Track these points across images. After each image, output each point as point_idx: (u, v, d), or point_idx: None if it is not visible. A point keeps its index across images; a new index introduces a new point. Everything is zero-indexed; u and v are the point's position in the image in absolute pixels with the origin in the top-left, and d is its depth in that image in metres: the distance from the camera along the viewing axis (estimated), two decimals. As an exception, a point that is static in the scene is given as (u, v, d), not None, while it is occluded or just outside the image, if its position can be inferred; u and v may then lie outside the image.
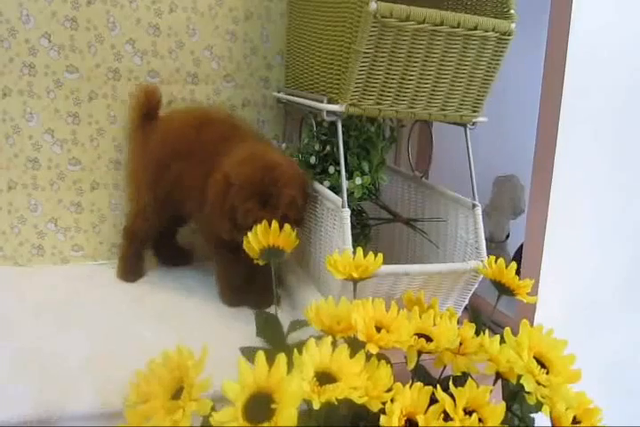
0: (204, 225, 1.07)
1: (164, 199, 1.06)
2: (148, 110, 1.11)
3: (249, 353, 0.56)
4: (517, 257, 1.13)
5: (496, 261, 0.83)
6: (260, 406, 0.53)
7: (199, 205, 0.98)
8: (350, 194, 1.02)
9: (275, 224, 0.85)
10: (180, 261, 1.21)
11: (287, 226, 0.86)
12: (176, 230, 1.21)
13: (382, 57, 0.87)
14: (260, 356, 0.55)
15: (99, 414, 0.75)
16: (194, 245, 1.24)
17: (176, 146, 1.04)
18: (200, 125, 1.04)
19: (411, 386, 0.63)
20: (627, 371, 1.21)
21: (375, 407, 0.60)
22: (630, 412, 1.21)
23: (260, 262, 0.87)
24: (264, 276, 0.90)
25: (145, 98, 1.10)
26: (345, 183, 0.93)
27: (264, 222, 0.85)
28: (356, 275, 0.79)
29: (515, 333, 0.70)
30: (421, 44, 0.88)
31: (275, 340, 0.77)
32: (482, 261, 0.96)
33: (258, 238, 0.84)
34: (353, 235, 0.92)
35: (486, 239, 1.00)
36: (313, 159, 1.07)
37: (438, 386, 0.63)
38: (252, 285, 1.02)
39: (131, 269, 1.13)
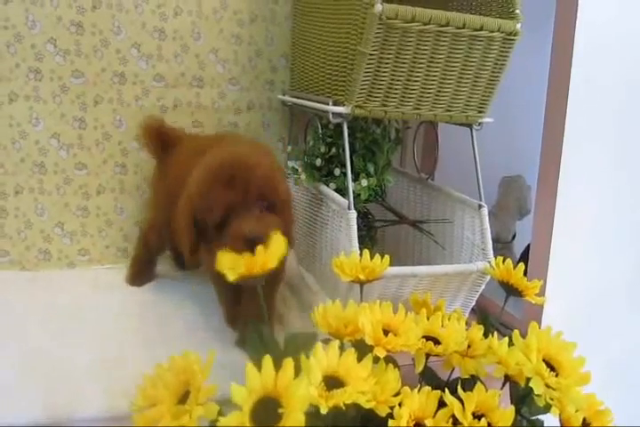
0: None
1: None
2: (158, 142, 1.08)
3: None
4: (524, 258, 1.12)
5: (503, 262, 0.83)
6: (267, 410, 0.53)
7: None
8: (356, 196, 1.01)
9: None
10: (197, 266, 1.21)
11: (276, 236, 0.68)
12: None
13: (388, 58, 0.87)
14: (267, 360, 0.55)
15: (106, 418, 0.75)
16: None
17: (181, 177, 0.94)
18: (200, 152, 0.91)
19: (419, 389, 0.63)
20: (634, 371, 1.20)
21: (383, 412, 0.60)
22: (638, 412, 1.21)
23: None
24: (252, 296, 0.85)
25: (149, 136, 1.08)
26: (351, 185, 0.93)
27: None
28: (362, 277, 0.79)
29: (522, 334, 0.69)
30: (427, 45, 0.88)
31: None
32: (489, 262, 0.95)
33: (232, 270, 0.65)
34: (359, 237, 0.92)
35: (493, 240, 1.00)
36: (319, 161, 1.07)
37: (447, 389, 0.63)
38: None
39: (140, 274, 1.13)
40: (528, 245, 1.12)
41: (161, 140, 1.09)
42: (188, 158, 0.95)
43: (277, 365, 0.55)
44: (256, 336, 0.72)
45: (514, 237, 1.43)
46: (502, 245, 1.42)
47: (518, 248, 1.40)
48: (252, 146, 0.93)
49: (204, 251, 0.85)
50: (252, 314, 0.87)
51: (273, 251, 0.66)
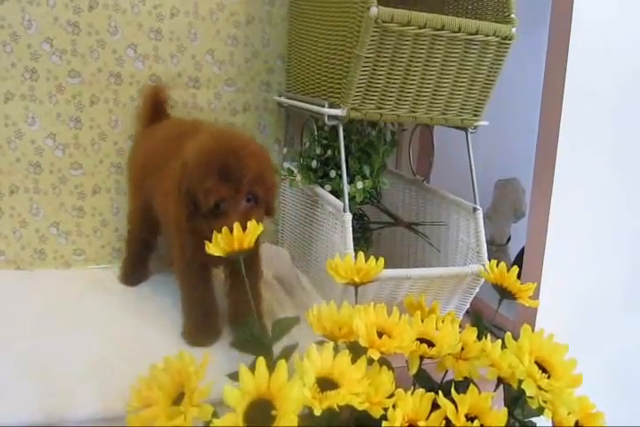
0: (170, 243, 0.97)
1: (143, 208, 1.04)
2: (153, 111, 1.10)
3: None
4: (518, 260, 1.13)
5: (497, 265, 0.83)
6: (260, 412, 0.53)
7: (165, 222, 0.95)
8: (352, 198, 1.02)
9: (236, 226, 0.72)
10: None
11: (251, 223, 0.73)
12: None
13: (383, 61, 0.87)
14: (261, 362, 0.55)
15: (100, 419, 0.75)
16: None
17: (153, 159, 0.99)
18: (180, 137, 0.93)
19: (412, 391, 0.63)
20: (628, 374, 1.21)
21: (377, 413, 0.60)
22: (632, 415, 1.21)
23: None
24: (238, 292, 0.89)
25: (151, 98, 1.10)
26: (346, 187, 0.93)
27: (224, 229, 0.72)
28: (357, 279, 0.79)
29: (516, 336, 0.70)
30: (422, 49, 0.88)
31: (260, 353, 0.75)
32: (483, 264, 0.96)
33: (220, 246, 0.72)
34: (354, 239, 0.92)
35: (487, 243, 1.01)
36: (314, 163, 1.07)
37: (440, 391, 0.63)
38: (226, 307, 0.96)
39: (134, 273, 1.13)
40: (523, 248, 1.12)
41: (154, 114, 1.10)
42: (166, 144, 0.97)
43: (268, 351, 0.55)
44: (245, 333, 0.76)
45: (509, 239, 1.43)
46: (497, 248, 1.42)
47: (513, 251, 1.40)
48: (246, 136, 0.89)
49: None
50: (240, 308, 0.91)
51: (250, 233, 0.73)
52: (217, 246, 0.72)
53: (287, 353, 0.72)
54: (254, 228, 0.73)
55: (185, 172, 0.81)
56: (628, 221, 1.09)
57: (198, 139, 0.84)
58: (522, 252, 1.15)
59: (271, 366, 0.55)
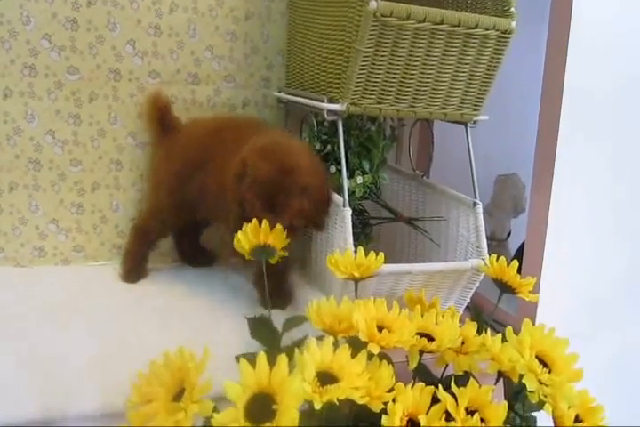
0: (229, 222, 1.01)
1: (182, 204, 1.06)
2: (160, 116, 1.11)
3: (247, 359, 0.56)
4: (519, 255, 1.13)
5: (497, 260, 0.83)
6: (261, 406, 0.53)
7: (221, 207, 0.98)
8: (351, 193, 1.02)
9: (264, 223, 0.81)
10: (202, 262, 1.22)
11: (278, 227, 0.82)
12: (200, 232, 1.21)
13: (383, 56, 0.87)
14: (262, 357, 0.55)
15: (101, 416, 0.75)
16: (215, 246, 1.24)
17: (194, 158, 1.03)
18: (219, 132, 1.03)
19: (412, 386, 0.63)
20: (629, 368, 1.21)
21: (377, 408, 0.60)
22: (633, 409, 1.21)
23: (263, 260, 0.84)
24: (275, 277, 0.90)
25: (152, 105, 1.11)
26: (346, 182, 0.93)
27: (254, 222, 0.80)
28: (357, 274, 0.79)
29: (516, 331, 0.70)
30: (422, 43, 0.88)
31: (269, 341, 0.77)
32: (483, 259, 0.96)
33: (248, 237, 0.80)
34: (354, 234, 0.92)
35: (488, 238, 1.00)
36: (314, 159, 1.07)
37: (440, 385, 0.63)
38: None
39: (135, 269, 1.13)
40: (523, 243, 1.12)
41: (164, 119, 1.11)
42: (205, 141, 1.03)
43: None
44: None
45: (509, 234, 1.44)
46: (497, 243, 1.42)
47: (513, 246, 1.40)
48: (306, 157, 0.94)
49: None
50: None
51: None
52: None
53: (298, 345, 0.72)
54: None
55: (243, 181, 0.87)
56: (627, 215, 1.09)
57: (262, 145, 0.90)
58: (522, 247, 1.15)
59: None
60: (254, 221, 0.81)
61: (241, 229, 0.82)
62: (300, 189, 0.88)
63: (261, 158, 0.88)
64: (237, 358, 0.57)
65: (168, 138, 1.10)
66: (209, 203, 1.02)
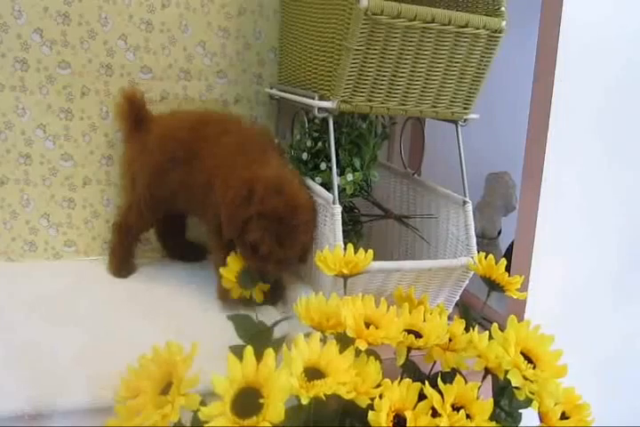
0: (211, 222, 1.04)
1: (160, 198, 1.07)
2: (134, 113, 1.10)
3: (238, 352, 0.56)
4: (509, 253, 1.14)
5: (486, 258, 0.84)
6: (248, 400, 0.53)
7: (204, 204, 0.99)
8: (342, 190, 1.02)
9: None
10: (191, 256, 1.22)
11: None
12: (184, 226, 1.22)
13: (373, 54, 0.87)
14: (249, 351, 0.55)
15: (89, 409, 0.75)
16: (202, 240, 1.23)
17: (174, 152, 1.03)
18: (196, 127, 1.03)
19: (400, 382, 0.63)
20: (618, 366, 1.22)
21: (363, 403, 0.60)
22: (623, 406, 1.22)
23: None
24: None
25: (126, 103, 1.10)
26: (336, 180, 0.94)
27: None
28: (346, 271, 0.79)
29: (504, 329, 0.70)
30: (412, 42, 0.88)
31: (253, 339, 0.77)
32: (472, 257, 0.96)
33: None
34: (344, 231, 0.92)
35: (478, 236, 1.01)
36: (305, 155, 1.07)
37: (427, 382, 0.64)
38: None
39: (122, 265, 1.13)
40: (513, 241, 1.13)
41: (138, 114, 1.10)
42: (184, 136, 1.03)
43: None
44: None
45: (499, 232, 1.44)
46: (488, 241, 1.43)
47: (504, 244, 1.41)
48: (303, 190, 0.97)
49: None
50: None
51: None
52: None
53: (277, 344, 0.72)
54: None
55: (249, 207, 0.89)
56: (617, 213, 1.10)
57: (268, 176, 0.91)
58: (512, 245, 1.16)
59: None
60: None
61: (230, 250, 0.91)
62: (304, 223, 0.91)
63: (270, 193, 0.89)
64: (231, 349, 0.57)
65: (142, 132, 1.09)
66: (189, 197, 1.03)
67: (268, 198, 0.88)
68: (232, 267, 0.90)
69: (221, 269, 0.90)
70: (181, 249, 1.22)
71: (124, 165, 1.15)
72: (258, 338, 0.76)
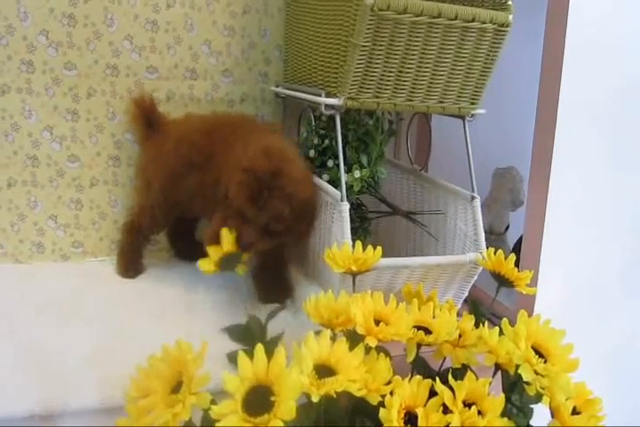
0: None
1: (175, 202, 1.07)
2: (146, 115, 1.11)
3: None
4: (517, 249, 1.13)
5: (495, 253, 0.83)
6: (259, 398, 0.53)
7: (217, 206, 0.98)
8: (349, 187, 1.02)
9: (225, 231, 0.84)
10: (199, 257, 1.21)
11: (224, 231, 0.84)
12: (195, 227, 1.21)
13: (380, 50, 0.87)
14: (260, 349, 0.55)
15: (100, 410, 0.75)
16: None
17: (190, 157, 1.02)
18: (214, 131, 1.03)
19: (410, 378, 0.63)
20: (628, 360, 1.21)
21: (374, 400, 0.60)
22: (631, 400, 1.22)
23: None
24: (274, 271, 0.91)
25: (136, 109, 1.10)
26: (344, 177, 0.93)
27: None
28: (354, 268, 0.79)
29: (513, 324, 0.70)
30: (419, 37, 0.88)
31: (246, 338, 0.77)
32: (481, 252, 0.96)
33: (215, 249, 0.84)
34: (352, 228, 0.92)
35: (486, 231, 1.01)
36: (312, 153, 1.07)
37: (438, 378, 0.63)
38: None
39: (131, 265, 1.13)
40: (521, 237, 1.12)
41: (150, 118, 1.11)
42: (199, 140, 1.02)
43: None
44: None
45: (507, 228, 1.43)
46: (496, 237, 1.42)
47: (512, 239, 1.40)
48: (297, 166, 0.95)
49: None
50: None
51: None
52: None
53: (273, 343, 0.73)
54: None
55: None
56: (625, 208, 1.09)
57: (257, 148, 0.89)
58: (520, 240, 1.15)
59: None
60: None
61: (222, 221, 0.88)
62: (286, 195, 0.87)
63: (262, 156, 0.88)
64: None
65: (156, 136, 1.09)
66: (204, 200, 1.02)
67: (257, 160, 0.87)
68: (217, 250, 0.86)
69: (208, 248, 0.86)
70: (190, 249, 1.22)
71: (138, 168, 1.15)
72: (250, 337, 0.76)
